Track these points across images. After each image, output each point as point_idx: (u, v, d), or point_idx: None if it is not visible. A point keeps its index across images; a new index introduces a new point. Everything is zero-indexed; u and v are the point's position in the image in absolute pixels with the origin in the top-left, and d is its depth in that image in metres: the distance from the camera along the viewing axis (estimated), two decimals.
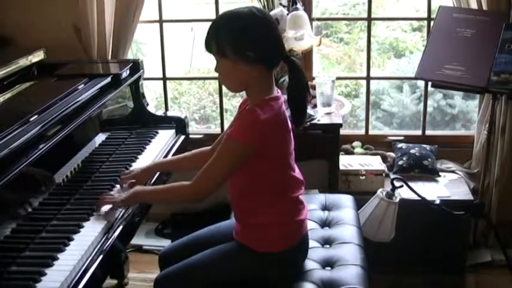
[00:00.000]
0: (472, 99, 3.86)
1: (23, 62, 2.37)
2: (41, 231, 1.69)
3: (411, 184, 2.37)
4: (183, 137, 2.58)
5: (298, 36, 2.59)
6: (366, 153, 3.04)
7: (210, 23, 1.74)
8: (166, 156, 2.36)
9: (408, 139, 3.11)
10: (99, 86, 2.29)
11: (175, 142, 2.51)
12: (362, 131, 3.26)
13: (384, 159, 2.99)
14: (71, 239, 1.66)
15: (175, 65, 4.09)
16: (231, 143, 1.69)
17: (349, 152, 3.05)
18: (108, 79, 2.38)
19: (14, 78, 2.28)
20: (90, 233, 1.70)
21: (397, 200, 2.31)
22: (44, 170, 1.88)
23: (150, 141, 2.42)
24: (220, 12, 2.92)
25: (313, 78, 2.98)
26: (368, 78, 3.18)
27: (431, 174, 2.89)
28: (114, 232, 1.75)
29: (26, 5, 3.00)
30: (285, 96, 1.78)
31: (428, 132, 3.24)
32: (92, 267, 1.58)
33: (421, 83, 3.60)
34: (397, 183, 2.31)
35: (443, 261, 2.71)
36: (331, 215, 2.17)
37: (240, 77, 1.72)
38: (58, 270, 1.52)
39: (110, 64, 2.87)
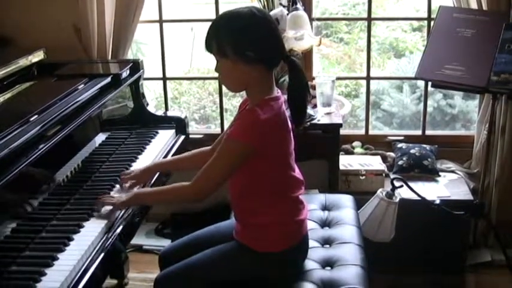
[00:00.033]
0: (472, 99, 3.86)
1: (23, 62, 2.37)
2: (41, 231, 1.69)
3: (411, 184, 2.37)
4: (183, 137, 2.58)
5: (298, 36, 2.59)
6: (366, 153, 3.04)
7: (210, 23, 1.74)
8: (166, 156, 2.36)
9: (408, 139, 3.11)
10: (99, 86, 2.29)
11: (175, 142, 2.51)
12: (362, 131, 3.26)
13: (384, 159, 2.99)
14: (71, 239, 1.65)
15: (175, 65, 4.10)
16: (231, 143, 1.69)
17: (349, 152, 3.05)
18: (108, 79, 2.38)
19: (14, 78, 2.27)
20: (90, 233, 1.70)
21: (397, 200, 2.31)
22: (44, 170, 1.88)
23: (150, 141, 2.42)
24: (220, 12, 2.92)
25: (313, 78, 2.98)
26: (368, 78, 3.18)
27: (431, 174, 2.89)
28: (114, 232, 1.75)
29: (26, 5, 3.00)
30: (285, 96, 1.78)
31: (428, 132, 3.24)
32: (92, 267, 1.58)
33: (421, 83, 3.60)
34: (397, 183, 2.31)
35: (443, 261, 2.71)
36: (331, 215, 2.17)
37: (240, 77, 1.72)
38: (58, 270, 1.52)
39: (110, 64, 2.87)
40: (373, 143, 3.11)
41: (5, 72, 2.22)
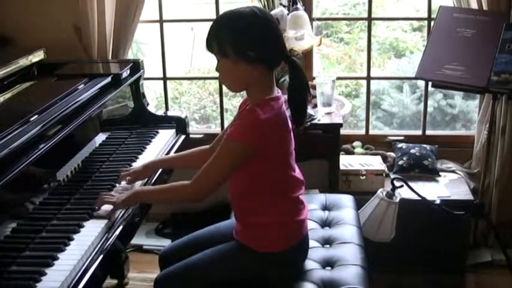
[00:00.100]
0: (472, 99, 3.86)
1: (23, 62, 2.37)
2: (41, 231, 1.69)
3: (411, 184, 2.37)
4: (183, 136, 2.58)
5: (299, 36, 2.59)
6: (366, 153, 3.04)
7: (210, 23, 1.74)
8: None
9: (408, 139, 3.11)
10: (99, 86, 2.29)
11: (176, 142, 2.51)
12: (362, 131, 3.26)
13: (384, 159, 2.99)
14: (71, 239, 1.66)
15: (176, 64, 4.10)
16: (231, 143, 1.69)
17: (349, 152, 3.04)
18: (108, 79, 2.38)
19: (14, 78, 2.27)
20: (90, 232, 1.70)
21: (397, 200, 2.31)
22: (44, 170, 1.87)
23: (150, 141, 2.42)
24: (221, 12, 2.93)
25: (314, 78, 2.98)
26: (368, 78, 3.18)
27: (431, 174, 2.89)
28: (114, 232, 1.75)
29: (26, 5, 3.00)
30: (285, 96, 1.78)
31: (429, 132, 3.24)
32: (92, 267, 1.58)
33: (421, 83, 3.60)
34: (397, 183, 2.31)
35: (443, 261, 2.71)
36: (331, 215, 2.17)
37: (241, 76, 1.72)
38: (58, 270, 1.52)
39: (110, 64, 2.87)
40: (374, 143, 3.11)
41: (5, 72, 2.22)
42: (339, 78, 3.27)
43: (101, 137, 2.35)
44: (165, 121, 2.62)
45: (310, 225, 2.01)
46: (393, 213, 2.29)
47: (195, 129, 3.93)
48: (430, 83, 2.88)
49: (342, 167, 2.81)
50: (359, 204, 2.30)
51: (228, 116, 3.66)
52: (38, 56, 2.47)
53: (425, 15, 3.08)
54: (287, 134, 1.77)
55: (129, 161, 2.22)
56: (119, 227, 1.78)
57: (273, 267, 1.80)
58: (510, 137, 2.80)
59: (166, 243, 2.98)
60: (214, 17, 2.94)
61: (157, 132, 2.51)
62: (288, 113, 1.77)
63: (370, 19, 3.11)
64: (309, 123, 2.63)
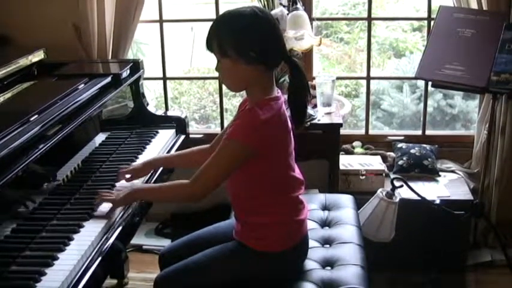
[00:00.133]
0: (472, 99, 3.86)
1: (23, 61, 2.37)
2: (41, 231, 1.69)
3: (411, 184, 2.37)
4: (183, 136, 2.58)
5: (298, 36, 2.59)
6: (366, 153, 3.04)
7: (210, 23, 1.74)
8: None
9: (408, 139, 3.11)
10: (99, 85, 2.29)
11: (176, 142, 2.51)
12: (362, 131, 3.26)
13: (384, 159, 2.99)
14: (71, 239, 1.65)
15: (176, 64, 4.10)
16: (231, 143, 1.69)
17: (349, 152, 3.04)
18: (108, 79, 2.38)
19: (14, 78, 2.27)
20: (90, 232, 1.70)
21: (397, 200, 2.31)
22: (44, 170, 1.88)
23: (150, 141, 2.42)
24: (220, 12, 2.93)
25: (313, 78, 2.98)
26: (368, 78, 3.18)
27: (431, 174, 2.89)
28: (114, 232, 1.75)
29: (26, 5, 2.99)
30: (285, 96, 1.78)
31: (429, 132, 3.24)
32: (92, 267, 1.58)
33: (421, 83, 3.60)
34: (397, 183, 2.31)
35: (443, 261, 2.70)
36: (331, 215, 2.17)
37: (241, 76, 1.72)
38: (58, 270, 1.52)
39: (110, 64, 2.87)
40: (373, 143, 3.11)
41: (5, 72, 2.22)
42: (338, 78, 3.27)
43: (100, 137, 2.35)
44: (165, 121, 2.62)
45: (310, 225, 2.01)
46: (393, 213, 2.29)
47: (195, 129, 3.93)
48: (430, 83, 2.88)
49: (341, 167, 2.81)
50: (359, 204, 2.30)
51: (228, 116, 3.66)
52: (38, 56, 2.47)
53: (425, 15, 3.08)
54: (287, 134, 1.77)
55: (129, 160, 2.22)
56: (118, 227, 1.78)
57: (273, 267, 1.79)
58: (510, 136, 2.80)
59: (166, 243, 2.98)
60: (214, 17, 2.94)
61: (157, 132, 2.52)
62: (288, 113, 1.77)
63: (370, 19, 3.11)
64: (308, 123, 2.63)
